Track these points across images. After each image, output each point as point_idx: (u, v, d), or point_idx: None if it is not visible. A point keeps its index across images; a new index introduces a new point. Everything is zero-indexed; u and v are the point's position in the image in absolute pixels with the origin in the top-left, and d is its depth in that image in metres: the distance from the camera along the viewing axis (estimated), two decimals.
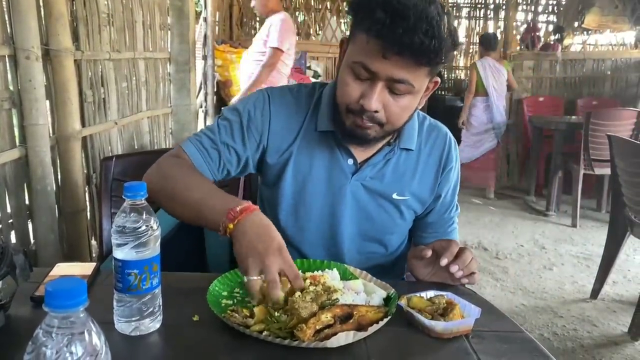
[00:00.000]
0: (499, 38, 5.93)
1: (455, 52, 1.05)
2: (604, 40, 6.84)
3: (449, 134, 1.30)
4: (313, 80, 4.63)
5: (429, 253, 1.09)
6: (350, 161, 1.20)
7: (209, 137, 1.18)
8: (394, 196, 1.23)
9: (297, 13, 5.93)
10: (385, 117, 1.08)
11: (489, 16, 7.97)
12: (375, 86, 1.03)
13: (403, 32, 0.95)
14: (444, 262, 1.06)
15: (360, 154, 1.20)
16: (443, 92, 8.10)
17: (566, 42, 6.53)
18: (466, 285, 1.12)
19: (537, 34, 6.70)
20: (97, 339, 0.54)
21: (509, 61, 5.67)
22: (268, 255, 0.91)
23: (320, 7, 5.93)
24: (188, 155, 1.16)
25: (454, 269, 1.06)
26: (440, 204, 1.29)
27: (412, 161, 1.24)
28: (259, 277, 0.91)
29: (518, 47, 6.43)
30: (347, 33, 1.14)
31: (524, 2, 7.30)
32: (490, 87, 5.07)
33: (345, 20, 6.01)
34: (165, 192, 1.06)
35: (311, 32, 5.89)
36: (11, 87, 1.83)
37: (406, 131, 1.21)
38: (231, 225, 0.96)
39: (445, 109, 6.86)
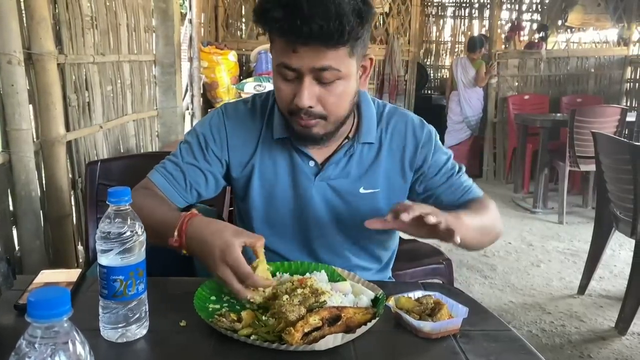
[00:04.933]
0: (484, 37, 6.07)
1: (370, 23, 1.05)
2: (587, 38, 6.90)
3: (411, 116, 1.28)
4: None
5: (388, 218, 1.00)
6: (312, 163, 1.20)
7: (172, 161, 1.21)
8: (361, 190, 1.22)
9: None
10: (325, 109, 1.08)
11: (474, 15, 8.05)
12: (303, 82, 1.04)
13: (301, 22, 0.96)
14: (405, 217, 0.94)
15: (320, 154, 1.20)
16: (429, 92, 8.14)
17: (550, 40, 6.59)
18: (455, 285, 1.12)
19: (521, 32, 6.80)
20: (81, 349, 0.53)
21: (492, 61, 5.77)
22: (216, 268, 0.93)
23: None
24: (154, 183, 1.18)
25: (405, 217, 0.94)
26: (437, 173, 1.23)
27: (374, 152, 1.23)
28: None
29: (503, 46, 6.47)
30: None
31: (508, 1, 7.37)
32: (459, 81, 5.81)
33: None
34: None
35: None
36: None
37: (364, 125, 1.21)
38: (185, 251, 0.99)
39: (432, 107, 6.90)
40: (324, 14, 0.96)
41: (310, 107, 1.06)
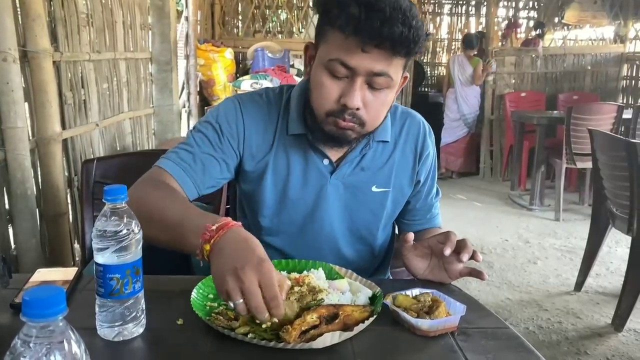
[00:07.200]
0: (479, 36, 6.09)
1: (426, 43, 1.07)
2: (583, 35, 6.92)
3: (422, 120, 1.30)
4: (296, 78, 4.62)
5: (411, 236, 1.08)
6: (326, 161, 1.19)
7: (187, 150, 1.14)
8: (374, 189, 1.22)
9: (279, 11, 5.91)
10: (366, 116, 1.07)
11: (471, 12, 8.04)
12: (355, 82, 1.03)
13: (381, 24, 0.95)
14: (447, 251, 1.02)
15: (335, 153, 1.19)
16: (426, 89, 8.14)
17: (547, 37, 6.60)
18: (452, 284, 1.12)
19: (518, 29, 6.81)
20: (76, 348, 0.53)
21: (489, 59, 5.78)
22: (244, 268, 0.79)
23: (302, 4, 5.92)
24: (169, 172, 1.10)
25: (465, 257, 1.03)
26: (421, 188, 1.29)
27: (389, 152, 1.23)
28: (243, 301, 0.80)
29: (500, 43, 6.48)
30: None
31: None
32: (456, 79, 5.82)
33: None
34: (141, 216, 0.86)
35: (294, 30, 5.87)
36: None
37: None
38: (207, 246, 0.86)
39: (429, 105, 6.90)
40: (404, 21, 0.96)
41: (358, 108, 1.05)
